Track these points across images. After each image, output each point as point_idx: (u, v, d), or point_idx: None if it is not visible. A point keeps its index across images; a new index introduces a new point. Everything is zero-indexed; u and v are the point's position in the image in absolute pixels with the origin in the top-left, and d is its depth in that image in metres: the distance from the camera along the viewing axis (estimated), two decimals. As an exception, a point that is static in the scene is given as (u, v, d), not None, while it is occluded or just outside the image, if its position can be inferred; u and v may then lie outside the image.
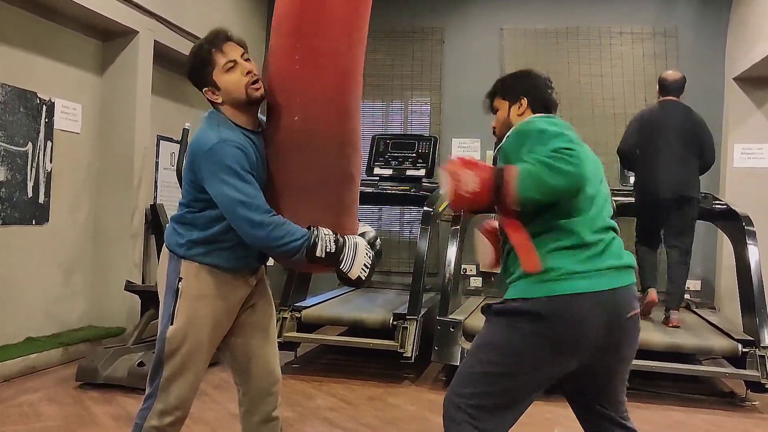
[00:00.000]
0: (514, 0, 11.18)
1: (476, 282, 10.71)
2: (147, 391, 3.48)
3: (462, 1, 11.31)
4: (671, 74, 8.06)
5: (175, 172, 8.76)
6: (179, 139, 8.56)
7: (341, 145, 3.50)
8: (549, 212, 3.11)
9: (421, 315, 7.36)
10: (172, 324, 3.39)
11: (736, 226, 7.84)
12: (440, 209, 8.34)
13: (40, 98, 7.59)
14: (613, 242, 3.23)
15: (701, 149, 7.70)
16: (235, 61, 3.36)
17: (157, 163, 9.65)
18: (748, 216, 7.72)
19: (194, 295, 3.41)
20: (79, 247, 8.31)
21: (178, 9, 9.14)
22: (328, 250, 3.30)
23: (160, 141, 9.70)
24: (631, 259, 3.28)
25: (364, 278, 3.45)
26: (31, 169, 7.49)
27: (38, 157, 7.58)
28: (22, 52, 7.37)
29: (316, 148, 3.42)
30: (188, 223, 3.43)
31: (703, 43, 10.61)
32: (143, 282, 8.72)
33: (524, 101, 3.52)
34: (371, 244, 3.54)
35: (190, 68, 3.46)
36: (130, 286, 7.59)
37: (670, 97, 7.87)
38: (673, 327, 7.59)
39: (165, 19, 8.88)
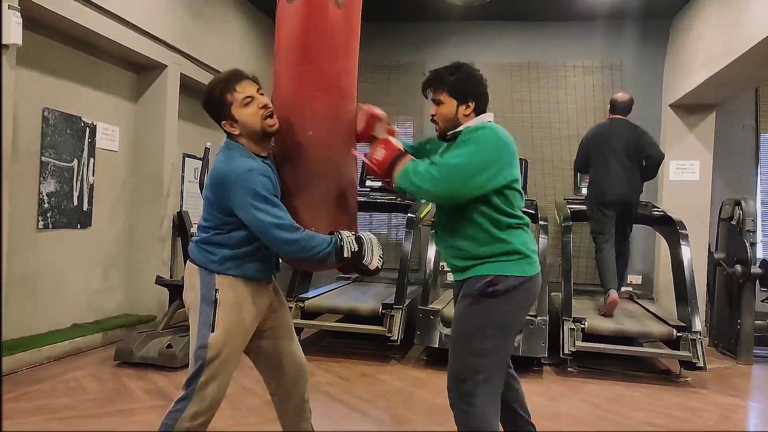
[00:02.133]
0: (484, 38, 11.24)
1: (452, 277, 10.72)
2: (181, 394, 3.29)
3: (441, 39, 11.36)
4: (621, 96, 8.09)
5: (198, 184, 8.78)
6: (201, 156, 8.58)
7: (345, 156, 3.54)
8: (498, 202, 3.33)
9: (405, 305, 7.41)
10: (213, 332, 3.25)
11: (671, 229, 7.90)
12: (422, 215, 8.38)
13: (84, 122, 7.60)
14: None
15: (645, 155, 7.72)
16: (252, 96, 3.25)
17: (182, 177, 9.66)
18: (681, 221, 7.80)
19: (231, 303, 3.30)
20: (117, 248, 8.33)
21: (200, 46, 9.16)
22: (353, 249, 3.28)
23: (185, 158, 9.71)
24: None
25: (380, 267, 3.44)
26: (77, 182, 7.51)
27: (82, 171, 7.59)
28: (69, 82, 7.40)
29: (325, 158, 3.43)
30: (218, 243, 3.30)
31: (644, 75, 10.72)
32: (171, 277, 8.73)
33: (472, 104, 3.48)
34: None
35: (207, 103, 3.36)
36: (159, 281, 7.61)
37: (618, 116, 7.92)
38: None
39: (190, 54, 8.90)
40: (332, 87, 3.44)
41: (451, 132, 3.52)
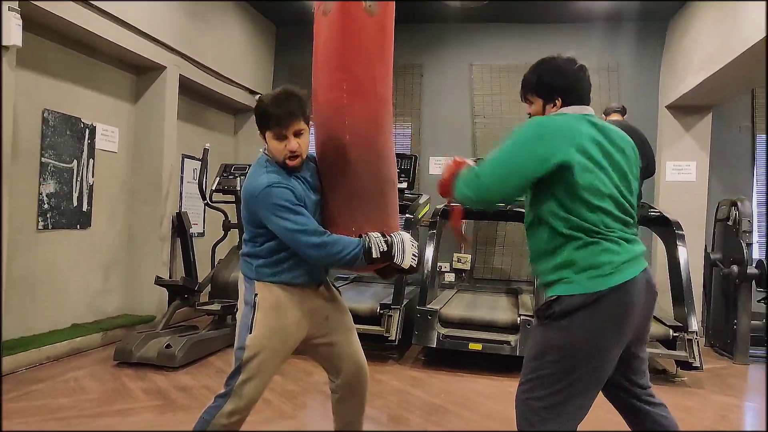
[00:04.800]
0: (481, 41, 11.24)
1: (450, 277, 10.76)
2: (221, 391, 3.40)
3: (438, 41, 11.39)
4: (613, 105, 8.11)
5: (197, 185, 8.77)
6: (200, 157, 8.58)
7: (382, 157, 3.56)
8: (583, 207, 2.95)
9: (403, 305, 7.39)
10: (251, 333, 3.36)
11: (668, 230, 7.85)
12: (419, 216, 8.35)
13: (83, 123, 7.60)
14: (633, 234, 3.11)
15: (646, 163, 7.60)
16: (285, 136, 3.30)
17: (181, 178, 9.68)
18: (678, 222, 7.75)
19: (269, 307, 3.39)
20: (116, 248, 8.33)
21: (200, 47, 9.17)
22: (381, 250, 3.31)
23: (185, 159, 9.73)
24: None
25: (415, 266, 3.44)
26: (76, 183, 7.51)
27: (82, 172, 7.59)
28: (69, 84, 7.40)
29: (365, 160, 3.48)
30: (255, 254, 3.43)
31: (640, 77, 10.71)
32: (170, 277, 8.72)
33: (559, 101, 3.23)
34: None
35: (256, 114, 3.40)
36: (159, 281, 7.61)
37: (616, 117, 7.86)
38: None
39: (189, 56, 8.91)
40: (369, 93, 3.50)
41: None
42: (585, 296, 2.90)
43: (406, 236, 3.46)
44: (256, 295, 3.40)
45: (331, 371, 3.83)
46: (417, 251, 3.46)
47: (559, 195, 2.96)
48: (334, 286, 3.79)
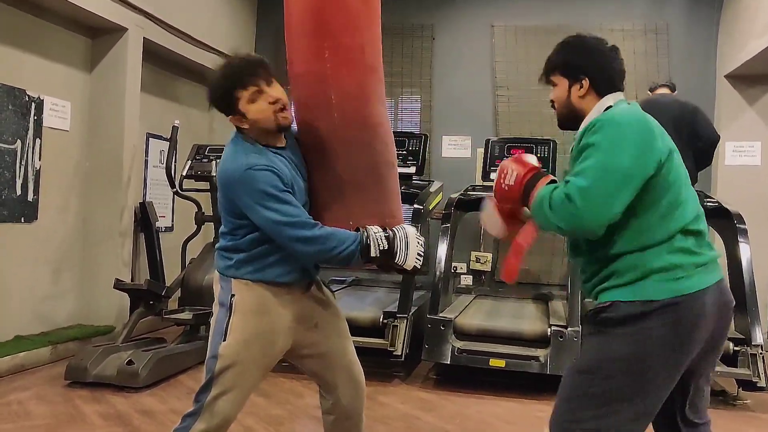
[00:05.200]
0: (505, -3, 11.20)
1: (467, 280, 10.72)
2: (189, 410, 3.36)
3: (453, -3, 11.35)
4: (660, 82, 8.08)
5: (164, 170, 8.75)
6: (168, 136, 8.57)
7: (376, 135, 3.55)
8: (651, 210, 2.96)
9: (411, 313, 7.35)
10: (224, 340, 3.32)
11: (727, 224, 7.80)
12: (430, 207, 8.33)
13: (28, 96, 7.58)
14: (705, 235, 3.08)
15: (697, 135, 7.57)
16: (259, 90, 3.28)
17: (146, 161, 9.67)
18: (739, 214, 7.70)
19: (248, 310, 3.36)
20: (68, 245, 8.31)
21: (168, 6, 9.14)
22: (381, 248, 3.30)
23: (150, 138, 9.71)
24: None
25: (419, 267, 3.43)
26: (20, 167, 7.49)
27: (27, 154, 7.57)
28: (10, 49, 7.37)
29: (357, 141, 3.46)
30: (234, 248, 3.39)
31: (694, 41, 10.63)
32: (132, 280, 8.71)
33: (585, 82, 3.23)
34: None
35: (212, 99, 3.41)
36: (119, 285, 7.59)
37: (662, 90, 7.82)
38: None
39: (154, 16, 8.87)
40: (357, 62, 3.46)
41: (568, 120, 3.34)
42: (654, 303, 2.88)
43: (411, 230, 3.44)
44: (233, 295, 3.36)
45: (324, 387, 3.79)
46: (423, 249, 3.44)
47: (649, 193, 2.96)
48: (326, 285, 3.77)
